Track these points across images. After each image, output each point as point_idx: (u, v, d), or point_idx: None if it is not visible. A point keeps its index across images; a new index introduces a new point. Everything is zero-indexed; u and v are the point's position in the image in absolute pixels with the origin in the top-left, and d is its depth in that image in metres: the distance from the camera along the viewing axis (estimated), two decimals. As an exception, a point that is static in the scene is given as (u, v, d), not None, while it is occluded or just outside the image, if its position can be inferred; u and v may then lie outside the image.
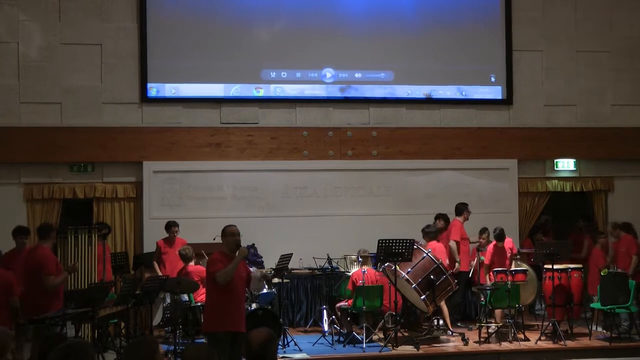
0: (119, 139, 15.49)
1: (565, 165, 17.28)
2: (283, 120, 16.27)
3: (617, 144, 17.01)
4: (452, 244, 14.81)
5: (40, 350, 5.53)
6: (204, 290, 11.48)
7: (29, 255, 11.21)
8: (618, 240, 14.49)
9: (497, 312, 13.85)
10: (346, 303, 13.72)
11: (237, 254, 9.33)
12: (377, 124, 16.54)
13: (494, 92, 17.02)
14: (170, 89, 15.91)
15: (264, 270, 10.71)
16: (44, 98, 15.36)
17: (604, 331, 14.05)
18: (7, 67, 15.29)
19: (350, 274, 14.07)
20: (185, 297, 13.23)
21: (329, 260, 14.63)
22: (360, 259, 13.82)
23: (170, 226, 14.64)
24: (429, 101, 16.77)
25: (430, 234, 14.04)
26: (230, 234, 9.42)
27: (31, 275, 10.83)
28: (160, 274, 13.93)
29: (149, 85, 15.78)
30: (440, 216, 15.04)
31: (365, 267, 13.53)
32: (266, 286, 13.21)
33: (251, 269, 10.18)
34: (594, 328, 14.25)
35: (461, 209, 15.37)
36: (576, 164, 17.33)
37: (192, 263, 13.64)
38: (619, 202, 17.08)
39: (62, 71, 15.45)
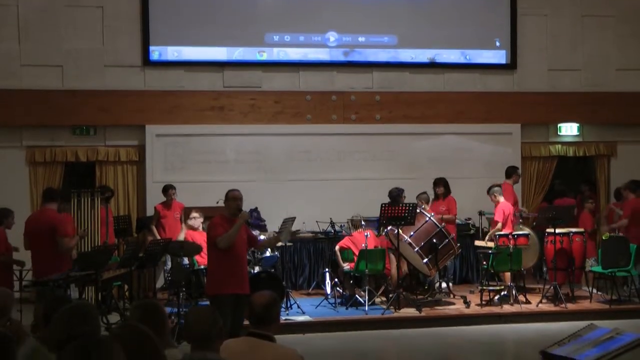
0: (121, 102, 15.45)
1: (569, 130, 17.24)
2: (286, 84, 16.22)
3: (621, 109, 16.95)
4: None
5: (44, 313, 5.54)
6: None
7: (38, 218, 11.25)
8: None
9: (507, 275, 13.78)
10: (349, 266, 13.77)
11: (238, 218, 9.37)
12: (380, 88, 16.49)
13: (498, 56, 16.94)
14: (173, 52, 15.85)
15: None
16: (45, 61, 15.29)
17: (599, 293, 14.12)
18: (7, 29, 15.21)
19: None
20: (186, 260, 13.27)
21: (332, 224, 14.66)
22: (363, 223, 13.84)
23: (167, 189, 14.60)
24: (432, 65, 16.69)
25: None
26: (232, 198, 9.45)
27: (43, 237, 10.89)
28: (159, 237, 13.94)
29: (151, 48, 15.71)
30: (440, 181, 14.87)
31: (367, 232, 13.57)
32: (269, 249, 13.27)
33: (254, 232, 10.19)
34: (594, 291, 14.32)
35: (510, 172, 15.23)
36: (579, 129, 17.29)
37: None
38: (622, 167, 17.04)
39: (63, 34, 15.37)
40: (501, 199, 14.09)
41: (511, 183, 15.16)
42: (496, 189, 14.23)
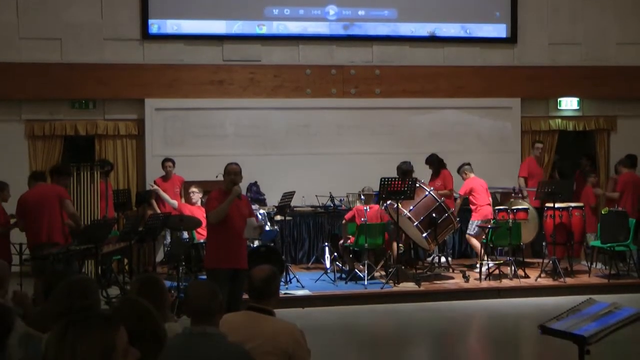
0: (121, 76, 15.41)
1: (569, 104, 17.21)
2: (286, 58, 16.17)
3: (621, 83, 16.91)
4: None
5: (44, 287, 5.56)
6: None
7: (49, 190, 11.39)
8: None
9: (476, 245, 13.86)
10: (349, 241, 13.79)
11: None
12: (380, 62, 16.44)
13: (499, 30, 16.88)
14: (172, 26, 15.79)
15: (261, 222, 10.70)
16: (44, 34, 15.23)
17: (604, 267, 14.16)
18: (6, 1, 15.13)
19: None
20: (185, 234, 13.29)
21: (331, 198, 14.67)
22: (362, 197, 13.84)
23: (164, 162, 14.58)
24: (432, 39, 16.63)
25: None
26: (228, 172, 9.41)
27: (52, 206, 11.04)
28: (159, 211, 13.96)
29: (150, 21, 15.64)
30: (428, 160, 14.86)
31: (367, 206, 13.57)
32: (268, 224, 13.28)
33: (254, 207, 10.17)
34: (593, 265, 14.36)
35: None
36: (579, 103, 17.26)
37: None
38: (622, 142, 17.02)
39: (62, 7, 15.30)
40: (471, 175, 14.25)
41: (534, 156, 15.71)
42: (466, 167, 14.51)
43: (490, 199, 14.43)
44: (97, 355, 2.81)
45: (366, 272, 13.07)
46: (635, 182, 14.79)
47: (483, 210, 14.00)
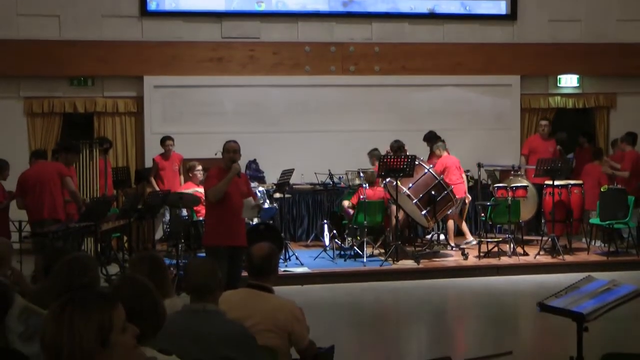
0: (119, 53, 15.36)
1: (569, 81, 17.17)
2: (285, 35, 16.12)
3: (622, 60, 16.84)
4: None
5: (44, 264, 5.57)
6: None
7: (49, 167, 11.44)
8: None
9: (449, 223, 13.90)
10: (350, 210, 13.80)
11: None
12: (380, 39, 16.38)
13: (498, 6, 16.81)
14: (170, 2, 15.72)
15: (259, 201, 10.67)
16: (42, 10, 15.17)
17: (603, 245, 14.18)
18: (4, -21, 15.10)
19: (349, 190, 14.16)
20: (185, 212, 13.30)
21: (331, 175, 14.66)
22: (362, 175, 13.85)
23: (164, 140, 14.55)
24: (432, 16, 16.57)
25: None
26: (226, 150, 9.37)
27: (54, 183, 11.10)
28: (158, 189, 13.96)
29: (149, -2, 15.61)
30: (425, 139, 14.94)
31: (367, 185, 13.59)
32: (267, 201, 13.28)
33: (252, 184, 10.16)
34: (592, 243, 14.38)
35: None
36: (579, 80, 17.22)
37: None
38: (621, 119, 17.00)
39: (60, -18, 15.27)
40: (444, 153, 14.27)
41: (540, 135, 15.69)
42: (440, 144, 14.43)
43: (464, 176, 14.36)
44: (94, 333, 2.82)
45: (365, 249, 13.08)
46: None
47: (456, 188, 13.82)
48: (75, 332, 2.80)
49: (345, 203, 14.03)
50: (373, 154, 14.44)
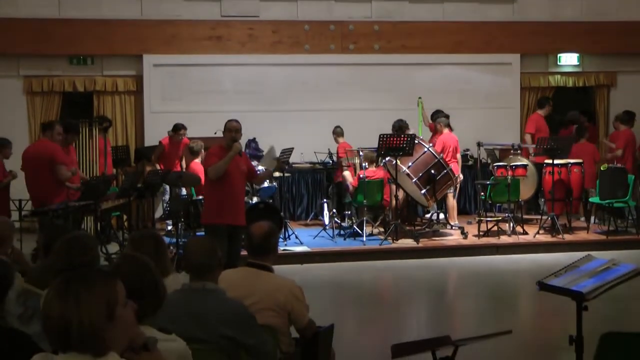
0: (119, 32, 15.33)
1: (569, 60, 17.13)
2: (284, 14, 16.06)
3: (622, 38, 16.77)
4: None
5: (44, 243, 5.58)
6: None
7: (34, 149, 11.30)
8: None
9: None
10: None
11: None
12: (379, 17, 16.33)
13: (498, -16, 16.75)
14: (170, -19, 15.67)
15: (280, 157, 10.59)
16: (41, -12, 15.15)
17: (600, 223, 14.18)
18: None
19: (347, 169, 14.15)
20: (185, 191, 13.28)
21: (330, 154, 14.66)
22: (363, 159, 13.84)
23: (179, 129, 14.45)
24: (432, -6, 16.52)
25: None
26: (228, 129, 9.36)
27: (41, 167, 10.94)
28: (157, 168, 13.95)
29: (148, -25, 15.54)
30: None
31: (366, 162, 13.59)
32: (267, 181, 13.25)
33: (253, 163, 10.16)
34: (592, 222, 14.38)
35: (543, 102, 15.83)
36: (579, 59, 17.18)
37: (198, 160, 13.59)
38: (621, 97, 16.97)
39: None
40: (445, 130, 14.12)
41: (542, 114, 15.49)
42: (442, 119, 14.25)
43: (459, 157, 14.28)
44: (102, 307, 2.84)
45: (365, 228, 13.09)
46: (634, 139, 14.83)
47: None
48: (84, 306, 2.82)
49: (347, 174, 13.94)
50: (336, 132, 14.55)
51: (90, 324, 2.82)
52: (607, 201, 13.56)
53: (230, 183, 9.21)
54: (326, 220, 13.97)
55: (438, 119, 14.27)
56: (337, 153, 14.41)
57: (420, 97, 14.89)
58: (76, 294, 2.83)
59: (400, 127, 13.84)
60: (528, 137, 15.20)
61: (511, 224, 13.43)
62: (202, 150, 13.46)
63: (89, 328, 2.82)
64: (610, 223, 13.69)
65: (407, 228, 13.54)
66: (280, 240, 12.23)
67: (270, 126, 15.58)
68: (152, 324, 3.68)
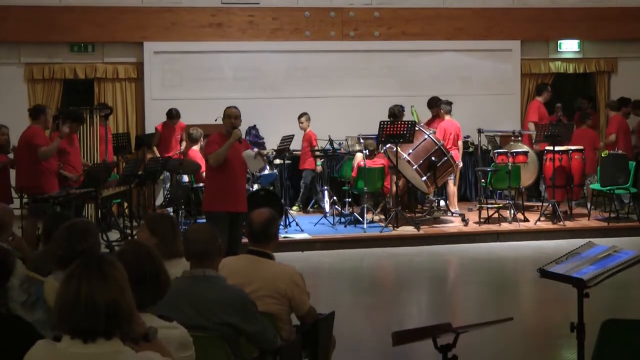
0: (119, 19, 15.30)
1: (569, 46, 17.10)
2: (284, 0, 16.01)
3: (622, 24, 16.73)
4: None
5: (45, 230, 5.59)
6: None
7: (21, 137, 11.31)
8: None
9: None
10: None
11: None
12: (379, 4, 16.29)
13: (499, -29, 16.70)
14: (170, -32, 15.63)
15: (256, 149, 10.57)
16: (42, -25, 15.11)
17: (600, 210, 14.18)
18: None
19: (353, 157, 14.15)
20: (185, 178, 13.28)
21: (331, 141, 14.64)
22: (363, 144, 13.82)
23: (173, 117, 14.45)
24: (432, -19, 16.48)
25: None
26: (227, 115, 9.34)
27: (23, 153, 10.96)
28: (158, 155, 13.94)
29: (148, -37, 15.50)
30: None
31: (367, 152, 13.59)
32: (267, 167, 13.24)
33: (254, 150, 10.14)
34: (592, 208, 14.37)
35: (541, 89, 15.76)
36: (580, 45, 17.14)
37: (196, 147, 13.58)
38: (622, 84, 16.94)
39: (59, -52, 15.16)
40: (447, 117, 14.09)
41: (542, 100, 15.46)
42: (445, 105, 14.22)
43: (460, 144, 14.25)
44: (129, 287, 2.90)
45: (365, 215, 13.09)
46: (626, 124, 15.07)
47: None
48: (124, 286, 2.85)
49: (359, 156, 13.89)
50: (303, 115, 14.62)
51: (129, 305, 2.89)
52: (608, 187, 13.54)
53: (231, 170, 9.21)
54: (327, 207, 13.97)
55: (442, 106, 14.20)
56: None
57: (413, 106, 14.81)
58: (113, 276, 2.88)
59: (394, 113, 13.76)
60: (532, 127, 15.12)
61: (512, 211, 13.43)
62: (202, 138, 13.46)
63: (130, 309, 2.87)
64: (612, 210, 13.66)
65: (408, 215, 13.53)
66: (281, 227, 12.23)
67: (271, 113, 15.57)
68: (152, 312, 3.69)
